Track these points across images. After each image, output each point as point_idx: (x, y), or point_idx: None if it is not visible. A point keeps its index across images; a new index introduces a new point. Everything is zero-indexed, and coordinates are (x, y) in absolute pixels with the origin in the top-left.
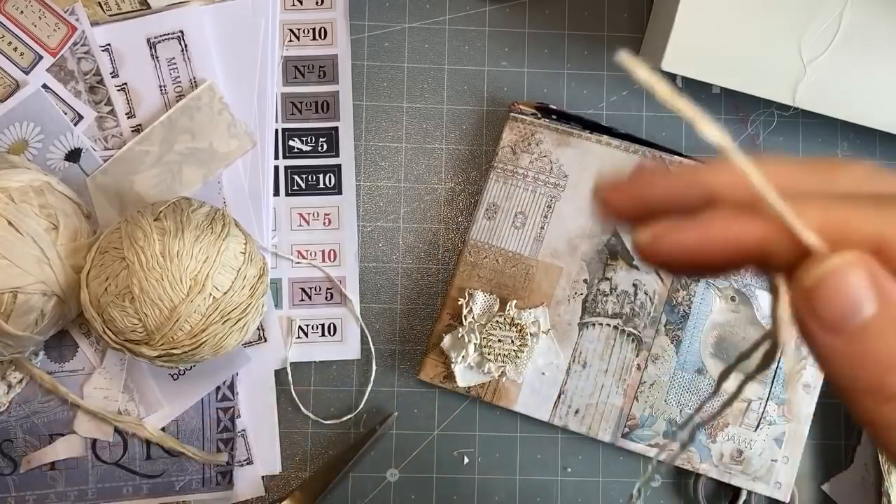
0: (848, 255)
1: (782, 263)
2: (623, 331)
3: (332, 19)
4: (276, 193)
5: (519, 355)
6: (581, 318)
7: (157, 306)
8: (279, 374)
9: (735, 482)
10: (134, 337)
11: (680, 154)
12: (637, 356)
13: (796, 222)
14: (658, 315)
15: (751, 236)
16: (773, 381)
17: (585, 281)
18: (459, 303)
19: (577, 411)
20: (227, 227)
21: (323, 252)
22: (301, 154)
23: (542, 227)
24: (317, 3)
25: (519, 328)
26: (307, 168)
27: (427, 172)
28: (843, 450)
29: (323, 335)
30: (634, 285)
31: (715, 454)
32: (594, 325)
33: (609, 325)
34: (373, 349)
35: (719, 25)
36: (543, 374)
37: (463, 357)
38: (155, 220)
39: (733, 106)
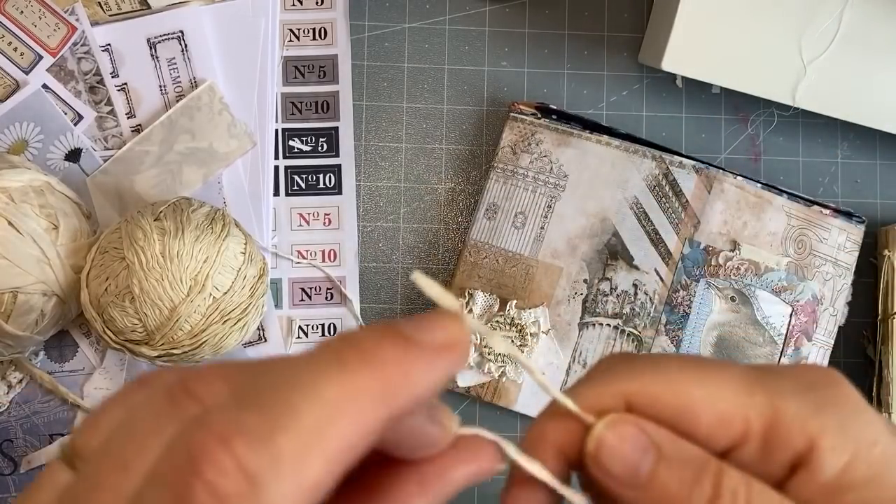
0: (610, 416)
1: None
2: (623, 331)
3: (332, 19)
4: (276, 193)
5: None
6: (581, 318)
7: (157, 306)
8: None
9: None
10: (134, 337)
11: (680, 154)
12: None
13: (562, 398)
14: (658, 315)
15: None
16: None
17: (585, 281)
18: (459, 303)
19: None
20: (227, 227)
21: (323, 252)
22: (301, 154)
23: (542, 227)
24: (317, 3)
25: (519, 328)
26: (307, 168)
27: (427, 172)
28: None
29: (323, 335)
30: (634, 285)
31: None
32: (594, 325)
33: (609, 325)
34: None
35: (719, 25)
36: (543, 374)
37: None
38: (155, 220)
39: (733, 106)
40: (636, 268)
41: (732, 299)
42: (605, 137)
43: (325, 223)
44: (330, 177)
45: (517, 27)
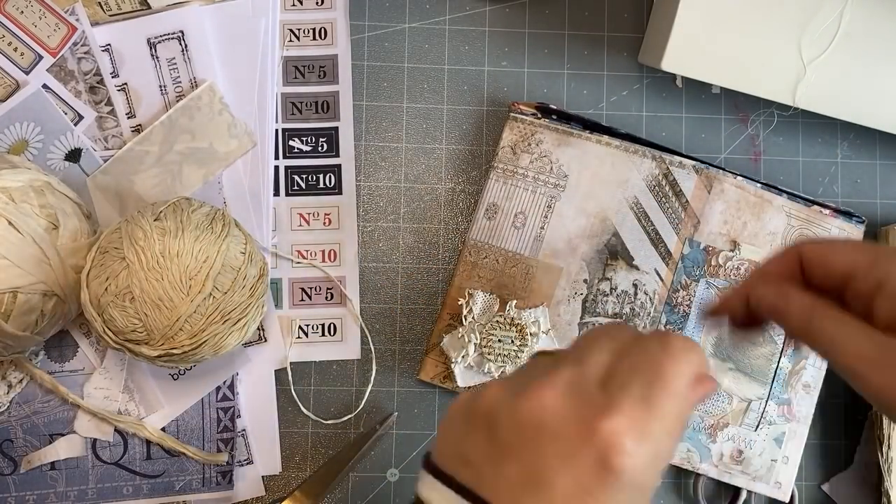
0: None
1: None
2: None
3: (332, 19)
4: (276, 193)
5: (519, 355)
6: (581, 318)
7: (157, 306)
8: (279, 374)
9: (735, 482)
10: (134, 337)
11: (680, 154)
12: None
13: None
14: (658, 315)
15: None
16: (773, 381)
17: (585, 281)
18: (459, 303)
19: None
20: (227, 227)
21: (323, 252)
22: (301, 154)
23: (542, 227)
24: (317, 3)
25: (519, 328)
26: (307, 168)
27: (427, 172)
28: (843, 450)
29: (323, 335)
30: (634, 285)
31: (715, 454)
32: (594, 324)
33: None
34: (373, 349)
35: (719, 25)
36: None
37: (463, 357)
38: (155, 220)
39: (733, 106)
40: (636, 268)
41: None
42: (605, 137)
43: (325, 223)
44: (330, 177)
45: (517, 27)
